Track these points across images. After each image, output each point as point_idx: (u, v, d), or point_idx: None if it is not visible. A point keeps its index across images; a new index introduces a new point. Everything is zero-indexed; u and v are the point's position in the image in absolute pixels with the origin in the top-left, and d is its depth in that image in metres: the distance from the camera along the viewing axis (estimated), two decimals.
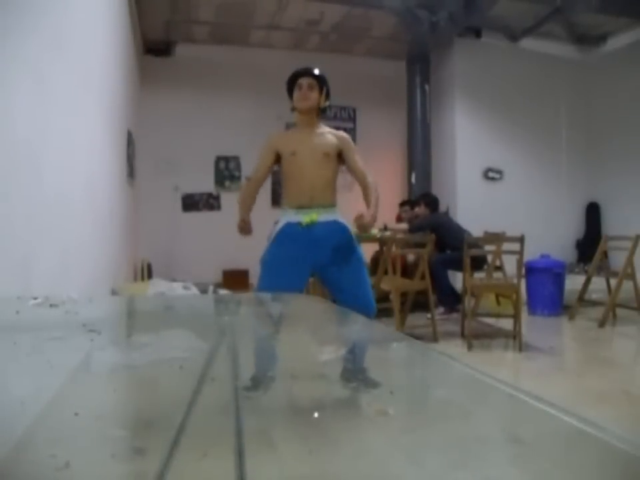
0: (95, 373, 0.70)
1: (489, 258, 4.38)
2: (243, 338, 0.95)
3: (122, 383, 0.67)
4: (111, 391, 0.63)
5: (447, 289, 4.70)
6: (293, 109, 2.57)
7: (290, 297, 1.48)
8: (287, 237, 2.41)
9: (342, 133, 2.61)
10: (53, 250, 2.10)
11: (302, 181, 2.44)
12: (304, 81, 2.51)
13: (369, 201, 2.47)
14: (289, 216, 2.44)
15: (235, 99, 6.51)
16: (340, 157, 2.54)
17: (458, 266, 4.03)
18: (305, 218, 2.39)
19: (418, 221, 4.83)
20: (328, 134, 2.55)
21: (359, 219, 2.35)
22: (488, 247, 4.31)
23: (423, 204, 4.94)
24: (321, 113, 2.58)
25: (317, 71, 2.54)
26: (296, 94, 2.51)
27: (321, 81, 2.53)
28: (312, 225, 2.39)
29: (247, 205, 2.57)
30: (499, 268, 4.40)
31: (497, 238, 3.93)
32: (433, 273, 4.61)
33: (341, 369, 0.75)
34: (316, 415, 0.54)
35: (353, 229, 2.47)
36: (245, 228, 2.54)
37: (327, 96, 2.56)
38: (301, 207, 2.42)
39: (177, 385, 0.63)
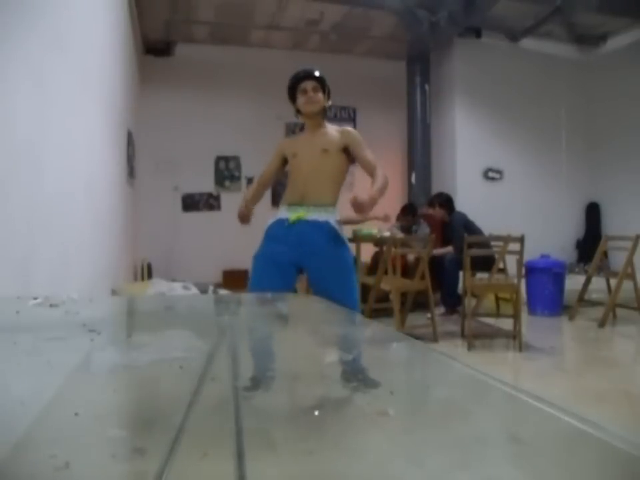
0: (95, 373, 0.70)
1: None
2: (243, 338, 0.95)
3: (122, 382, 0.67)
4: (111, 391, 0.63)
5: (453, 289, 4.70)
6: (298, 113, 2.55)
7: (290, 297, 1.48)
8: (273, 233, 2.41)
9: (347, 128, 2.54)
10: (53, 250, 2.10)
11: (298, 179, 2.43)
12: (308, 85, 2.47)
13: (371, 186, 2.28)
14: (280, 213, 2.44)
15: (235, 99, 6.51)
16: (347, 153, 2.46)
17: (474, 266, 3.99)
18: (292, 215, 2.38)
19: (455, 236, 4.59)
20: (331, 131, 2.51)
21: (353, 200, 2.15)
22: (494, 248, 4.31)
23: (437, 205, 4.92)
24: (326, 112, 2.56)
25: (317, 72, 2.53)
26: (301, 99, 2.47)
27: (322, 81, 2.51)
28: (297, 222, 2.36)
29: (252, 199, 2.54)
30: (502, 270, 4.40)
31: (503, 239, 3.93)
32: (445, 272, 4.62)
33: (341, 369, 0.75)
34: (316, 414, 0.54)
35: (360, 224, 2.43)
36: (245, 215, 2.49)
37: (329, 95, 2.56)
38: (292, 204, 2.42)
39: (177, 385, 0.63)
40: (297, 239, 2.35)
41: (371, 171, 2.37)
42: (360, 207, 2.14)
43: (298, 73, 2.53)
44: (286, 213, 2.41)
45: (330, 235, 2.37)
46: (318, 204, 2.39)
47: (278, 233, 2.40)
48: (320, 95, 2.47)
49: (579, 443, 0.47)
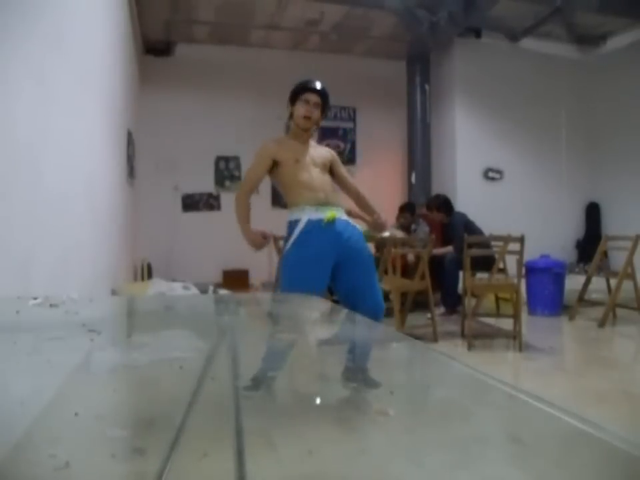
0: (94, 373, 0.70)
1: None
2: (243, 338, 0.95)
3: (122, 382, 0.67)
4: (111, 391, 0.63)
5: (453, 289, 4.70)
6: (291, 117, 2.56)
7: (290, 297, 1.48)
8: (311, 234, 2.38)
9: (328, 148, 2.74)
10: (53, 250, 2.10)
11: (312, 182, 2.45)
12: (312, 97, 2.49)
13: (371, 206, 2.67)
14: (309, 213, 2.40)
15: (235, 99, 6.51)
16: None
17: (474, 266, 3.99)
18: (327, 214, 2.39)
19: (455, 236, 4.61)
20: (319, 148, 2.65)
21: (374, 220, 2.58)
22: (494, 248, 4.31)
23: (435, 209, 4.92)
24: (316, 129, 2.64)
25: (324, 88, 2.55)
26: (301, 108, 2.48)
27: (325, 99, 2.53)
28: (333, 222, 2.40)
29: (246, 217, 2.50)
30: (502, 270, 4.40)
31: (503, 239, 3.93)
32: (445, 272, 4.62)
33: (342, 369, 0.76)
34: (316, 413, 0.54)
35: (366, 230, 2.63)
36: (261, 242, 2.49)
37: (325, 114, 2.59)
38: (319, 205, 2.42)
39: (177, 384, 0.63)
40: (337, 237, 2.40)
41: (355, 191, 2.71)
42: (381, 227, 2.63)
43: (308, 82, 2.53)
44: (315, 214, 2.40)
45: (360, 233, 2.51)
46: (338, 205, 2.50)
47: (315, 233, 2.38)
48: (318, 112, 2.52)
49: (579, 443, 0.47)
